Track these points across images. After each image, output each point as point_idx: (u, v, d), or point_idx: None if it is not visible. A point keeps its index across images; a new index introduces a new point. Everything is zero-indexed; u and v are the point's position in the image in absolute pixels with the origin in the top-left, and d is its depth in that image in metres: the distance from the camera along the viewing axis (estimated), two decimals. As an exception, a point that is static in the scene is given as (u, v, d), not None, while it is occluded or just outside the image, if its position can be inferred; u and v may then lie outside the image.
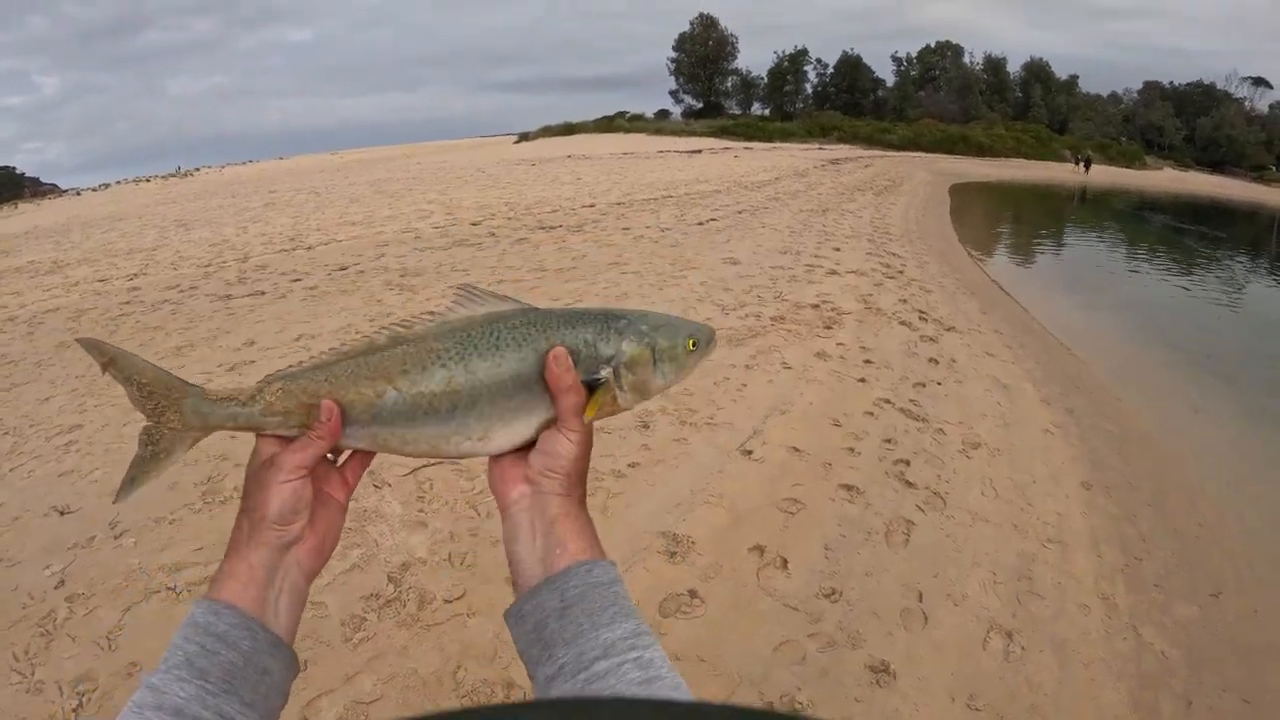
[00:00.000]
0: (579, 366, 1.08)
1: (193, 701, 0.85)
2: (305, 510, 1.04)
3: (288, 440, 1.06)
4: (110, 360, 1.08)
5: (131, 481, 1.08)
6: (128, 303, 10.10)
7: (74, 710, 3.12)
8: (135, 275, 12.06)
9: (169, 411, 1.08)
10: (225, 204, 25.20)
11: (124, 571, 3.95)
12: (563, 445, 1.07)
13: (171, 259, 13.40)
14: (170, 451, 1.09)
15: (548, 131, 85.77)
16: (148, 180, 59.17)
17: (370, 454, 1.15)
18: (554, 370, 1.06)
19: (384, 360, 1.07)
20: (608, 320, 1.14)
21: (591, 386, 1.10)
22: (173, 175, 64.07)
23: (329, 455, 1.10)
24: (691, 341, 1.17)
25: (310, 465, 1.04)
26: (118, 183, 60.56)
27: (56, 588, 3.86)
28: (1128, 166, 75.28)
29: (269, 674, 0.95)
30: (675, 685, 0.88)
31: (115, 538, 4.26)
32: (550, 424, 1.09)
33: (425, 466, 4.84)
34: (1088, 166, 62.29)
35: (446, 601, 3.73)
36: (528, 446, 1.11)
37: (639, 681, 0.87)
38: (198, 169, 72.95)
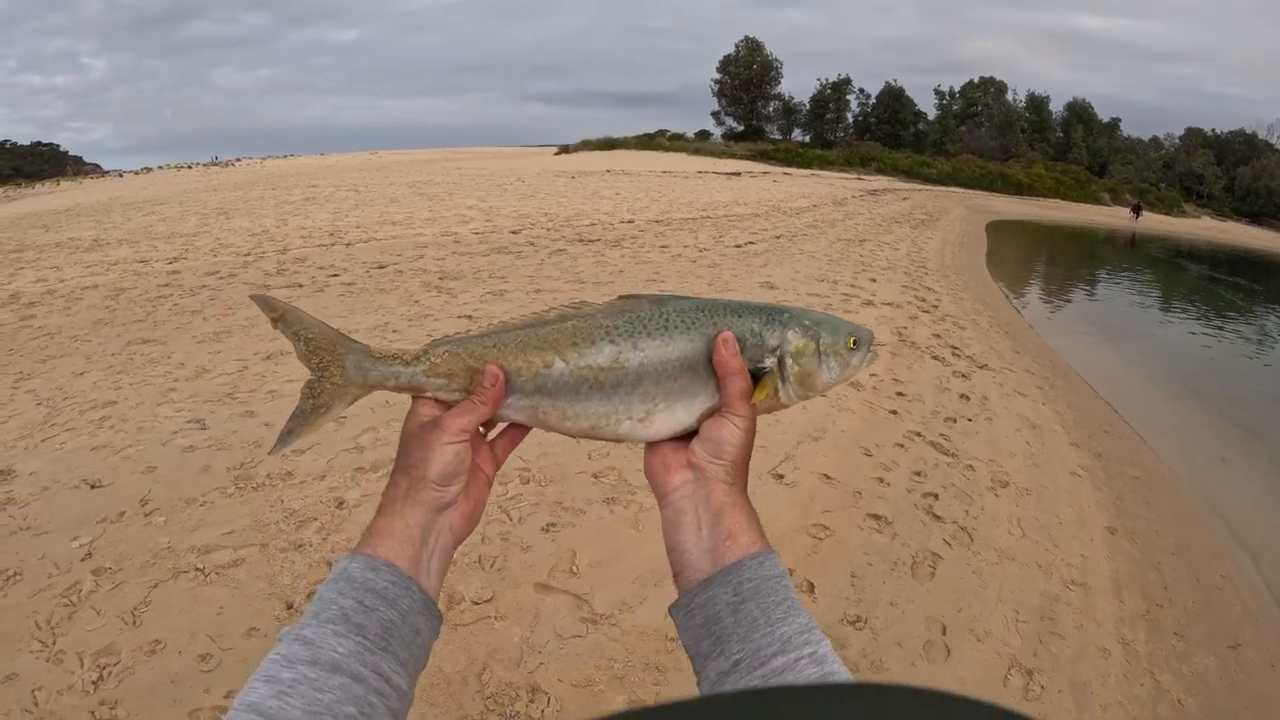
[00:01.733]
0: (745, 354, 1.08)
1: (351, 658, 0.86)
2: (464, 474, 1.05)
3: (444, 405, 1.07)
4: (280, 316, 1.11)
5: (290, 433, 1.10)
6: (166, 285, 10.17)
7: (94, 683, 3.13)
8: (175, 259, 12.13)
9: (332, 367, 1.10)
10: (265, 195, 25.25)
11: (152, 549, 3.97)
12: (728, 431, 1.06)
13: (211, 246, 13.48)
14: (330, 406, 1.11)
15: (588, 145, 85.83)
16: (189, 167, 59.51)
17: (521, 432, 1.15)
18: (722, 353, 1.06)
19: (553, 332, 1.08)
20: (773, 313, 1.14)
21: (756, 376, 1.10)
22: (214, 164, 64.38)
23: (480, 428, 1.11)
24: (852, 340, 1.17)
25: (473, 429, 1.05)
26: (160, 167, 60.94)
27: (83, 560, 3.88)
28: (1166, 214, 74.97)
29: (420, 635, 0.95)
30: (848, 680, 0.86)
31: (145, 515, 4.28)
32: (710, 413, 1.09)
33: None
34: (1139, 213, 62.82)
35: (475, 603, 3.73)
36: (685, 436, 1.10)
37: (816, 678, 0.86)
38: (238, 160, 73.24)
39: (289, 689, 0.81)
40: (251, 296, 1.19)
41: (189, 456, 4.94)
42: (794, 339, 1.12)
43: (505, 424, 1.14)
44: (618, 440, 1.11)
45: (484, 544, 4.18)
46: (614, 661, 3.46)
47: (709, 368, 1.08)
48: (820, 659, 0.88)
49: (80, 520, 4.23)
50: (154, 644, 3.34)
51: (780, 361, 1.12)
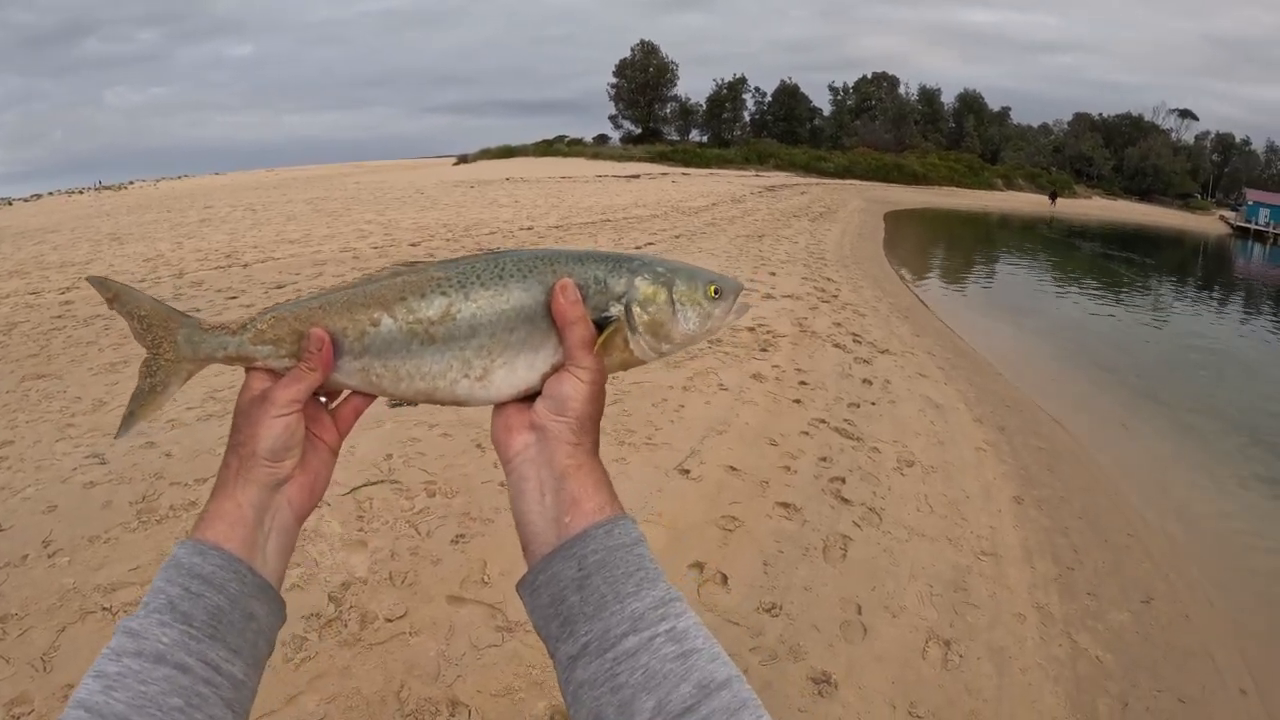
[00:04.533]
0: (588, 304, 1.03)
1: (176, 647, 0.81)
2: (298, 448, 1.00)
3: (278, 376, 1.02)
4: (114, 296, 1.07)
5: (131, 415, 1.06)
6: (59, 317, 9.87)
7: (6, 734, 3.04)
8: (68, 289, 11.73)
9: (165, 343, 1.06)
10: (160, 219, 24.63)
11: (58, 591, 3.82)
12: (570, 385, 0.99)
13: (104, 273, 13.05)
14: (166, 384, 1.07)
15: (487, 154, 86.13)
16: (80, 192, 57.79)
17: (364, 400, 1.10)
18: (560, 301, 1.00)
19: (381, 289, 1.03)
20: (621, 260, 1.08)
21: (601, 326, 1.03)
22: (103, 188, 62.53)
23: (321, 398, 1.07)
24: (713, 288, 1.10)
25: (303, 399, 0.99)
26: (50, 193, 59.08)
27: (-13, 607, 3.75)
28: (1059, 195, 77.38)
29: (255, 619, 0.90)
30: (713, 656, 0.82)
31: (49, 556, 4.13)
32: (556, 370, 1.02)
33: (365, 485, 4.78)
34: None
35: (388, 620, 3.66)
36: (532, 398, 1.04)
37: (673, 656, 0.81)
38: (130, 182, 71.25)
39: (115, 683, 0.77)
40: (88, 278, 1.16)
41: (90, 493, 4.79)
42: (642, 285, 1.06)
43: (347, 392, 1.09)
44: (458, 403, 1.06)
45: (394, 560, 4.12)
46: (532, 668, 3.42)
47: (549, 319, 1.02)
48: (679, 635, 0.83)
49: (-19, 566, 4.08)
50: (67, 688, 3.20)
51: (628, 310, 1.05)
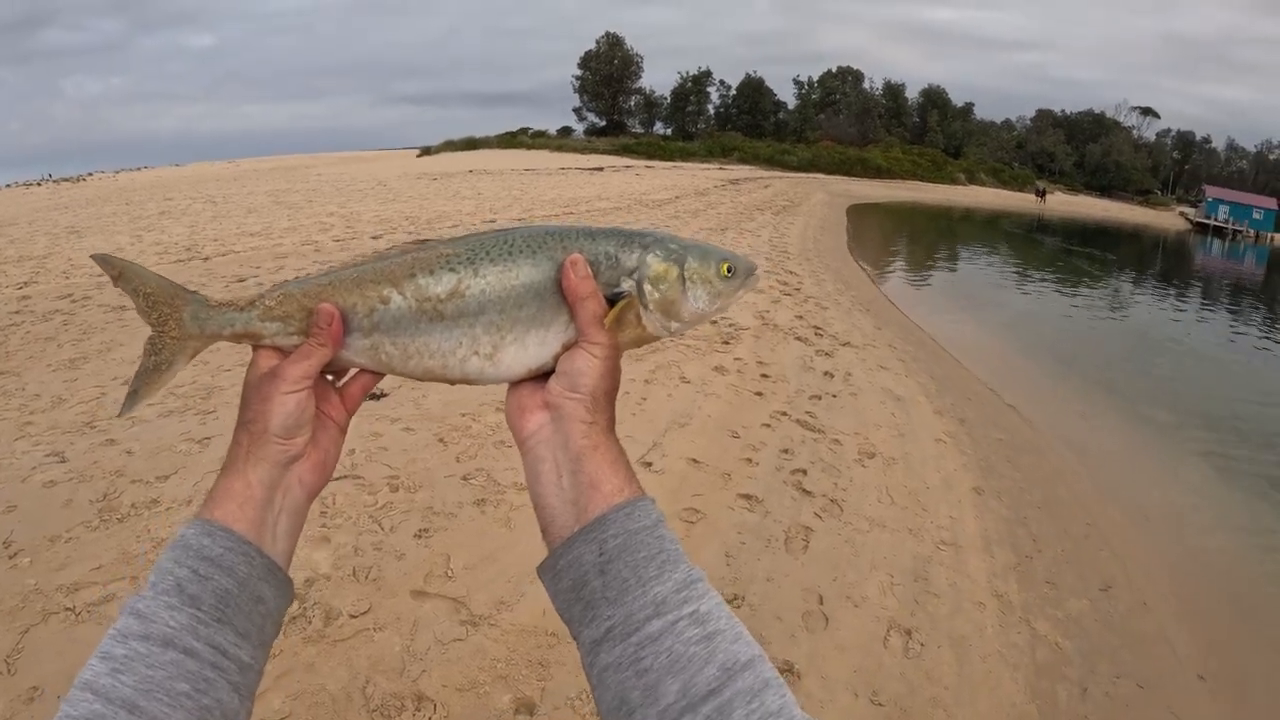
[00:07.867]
0: (599, 279, 1.03)
1: (184, 631, 0.81)
2: (309, 425, 1.00)
3: (286, 353, 1.02)
4: (119, 273, 1.06)
5: (135, 393, 1.05)
6: (18, 312, 9.67)
7: (-31, 739, 3.00)
8: (25, 284, 11.55)
9: (170, 320, 1.06)
10: (119, 211, 24.28)
11: (20, 592, 3.77)
12: (583, 360, 0.99)
13: (63, 268, 12.85)
14: (171, 362, 1.06)
15: (450, 146, 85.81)
16: (38, 184, 57.04)
17: (372, 378, 1.10)
18: (570, 277, 1.00)
19: (390, 265, 1.03)
20: (632, 236, 1.08)
21: (613, 302, 1.04)
22: (58, 181, 61.55)
23: (328, 377, 1.07)
24: (726, 266, 1.10)
25: (313, 375, 0.99)
26: (6, 186, 58.25)
27: (-55, 608, 3.69)
28: (1019, 190, 78.16)
29: (263, 602, 0.91)
30: (736, 636, 0.82)
31: (9, 557, 4.05)
32: (568, 348, 1.03)
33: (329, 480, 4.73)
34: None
35: (353, 616, 3.64)
36: (546, 377, 1.04)
37: (697, 639, 0.81)
38: (90, 174, 70.11)
39: (122, 666, 0.77)
40: (92, 256, 1.16)
41: (50, 492, 4.72)
42: (654, 262, 1.06)
43: (354, 369, 1.09)
44: (469, 381, 1.06)
45: (357, 555, 4.09)
46: (497, 661, 3.42)
47: (560, 295, 1.02)
48: (702, 618, 0.84)
49: (-61, 565, 4.02)
50: (31, 691, 3.17)
51: (639, 286, 1.06)
